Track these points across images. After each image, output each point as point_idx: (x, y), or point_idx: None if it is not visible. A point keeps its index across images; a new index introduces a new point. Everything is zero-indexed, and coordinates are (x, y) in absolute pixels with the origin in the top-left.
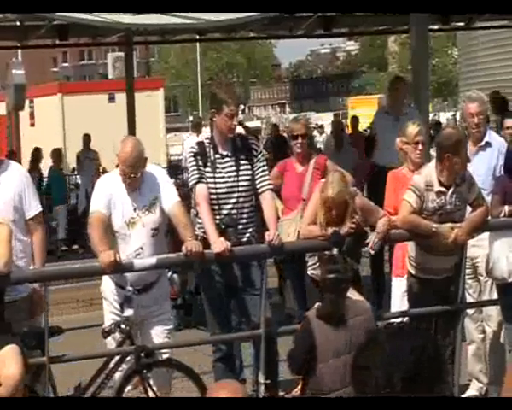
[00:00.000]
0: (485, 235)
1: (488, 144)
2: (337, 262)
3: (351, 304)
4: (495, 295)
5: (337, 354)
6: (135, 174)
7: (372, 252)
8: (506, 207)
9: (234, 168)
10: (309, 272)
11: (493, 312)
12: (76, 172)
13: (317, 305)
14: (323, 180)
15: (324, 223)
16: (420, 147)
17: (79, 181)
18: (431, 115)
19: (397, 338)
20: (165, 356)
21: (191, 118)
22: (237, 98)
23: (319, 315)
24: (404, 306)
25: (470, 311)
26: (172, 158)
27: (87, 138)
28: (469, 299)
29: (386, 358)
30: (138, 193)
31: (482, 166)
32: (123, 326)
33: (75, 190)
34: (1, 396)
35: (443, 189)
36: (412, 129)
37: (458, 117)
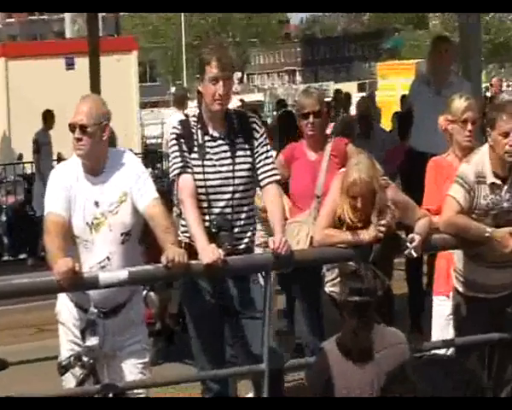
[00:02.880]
0: None
1: None
2: (364, 279)
3: (379, 333)
4: None
5: (360, 395)
6: (87, 137)
7: (415, 255)
8: None
9: (229, 155)
10: (326, 290)
11: None
12: (32, 160)
13: (336, 335)
14: (343, 170)
15: (347, 218)
16: (469, 127)
17: (29, 171)
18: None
19: (433, 372)
20: (139, 397)
21: (173, 89)
22: (226, 58)
23: (339, 347)
24: (449, 332)
25: None
26: (149, 141)
27: (49, 116)
28: None
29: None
30: (103, 187)
31: None
32: (85, 359)
33: (23, 182)
34: None
35: (498, 181)
36: (459, 104)
37: None
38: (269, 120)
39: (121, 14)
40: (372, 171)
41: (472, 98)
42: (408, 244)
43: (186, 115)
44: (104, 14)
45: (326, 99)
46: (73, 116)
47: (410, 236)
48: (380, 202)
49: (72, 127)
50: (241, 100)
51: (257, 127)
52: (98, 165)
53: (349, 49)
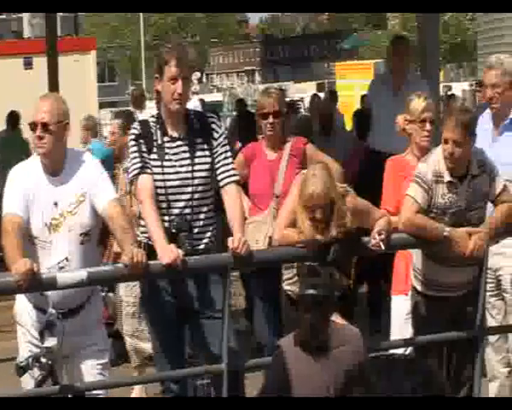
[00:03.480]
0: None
1: None
2: (319, 275)
3: (335, 330)
4: None
5: (318, 393)
6: (49, 135)
7: (383, 247)
8: None
9: (188, 155)
10: (285, 288)
11: None
12: None
13: (293, 332)
14: (304, 171)
15: (306, 230)
16: (427, 127)
17: None
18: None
19: (391, 373)
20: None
21: (131, 89)
22: (185, 57)
23: (296, 343)
24: (408, 332)
25: (493, 338)
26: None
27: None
28: (492, 323)
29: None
30: (62, 187)
31: (506, 152)
32: (43, 360)
33: None
34: None
35: (455, 180)
36: (418, 104)
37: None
38: (228, 120)
39: (80, 13)
40: (329, 181)
41: (430, 98)
42: (376, 236)
43: (156, 115)
44: (63, 13)
45: (286, 99)
46: (34, 114)
47: (376, 229)
48: (338, 211)
49: (33, 126)
50: (201, 100)
51: (216, 127)
52: (58, 165)
53: (308, 48)
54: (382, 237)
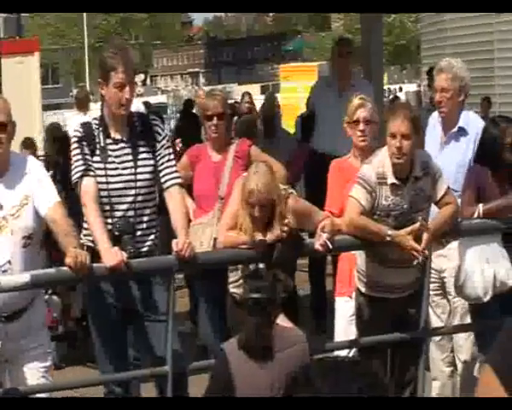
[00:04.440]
0: (455, 243)
1: (462, 131)
2: (263, 277)
3: (280, 333)
4: (468, 319)
5: (262, 396)
6: (6, 136)
7: (331, 246)
8: (480, 207)
9: (131, 158)
10: (230, 291)
11: (465, 340)
12: None
13: (237, 336)
14: (245, 174)
15: (246, 227)
16: (361, 126)
17: None
18: (392, 87)
19: (336, 376)
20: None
21: (76, 91)
22: (130, 62)
23: (240, 347)
24: (352, 333)
25: (437, 337)
26: None
27: None
28: (437, 322)
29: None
30: (5, 190)
31: (452, 161)
32: None
33: None
34: None
35: (398, 182)
36: (352, 104)
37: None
38: (172, 123)
39: (23, 15)
40: (270, 180)
41: (368, 98)
42: (321, 234)
43: (99, 118)
44: (5, 15)
45: (230, 101)
46: None
47: (320, 229)
48: (280, 212)
49: None
50: (146, 102)
51: (159, 130)
52: (4, 167)
53: (252, 50)
54: (327, 235)
